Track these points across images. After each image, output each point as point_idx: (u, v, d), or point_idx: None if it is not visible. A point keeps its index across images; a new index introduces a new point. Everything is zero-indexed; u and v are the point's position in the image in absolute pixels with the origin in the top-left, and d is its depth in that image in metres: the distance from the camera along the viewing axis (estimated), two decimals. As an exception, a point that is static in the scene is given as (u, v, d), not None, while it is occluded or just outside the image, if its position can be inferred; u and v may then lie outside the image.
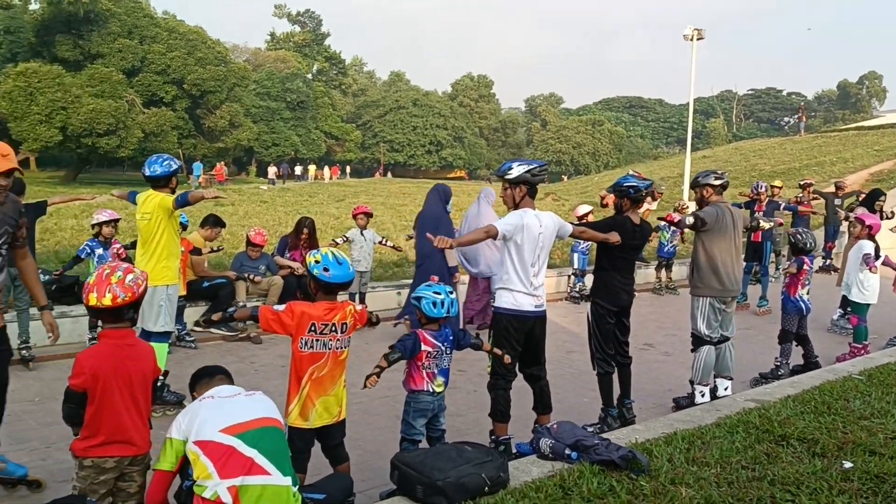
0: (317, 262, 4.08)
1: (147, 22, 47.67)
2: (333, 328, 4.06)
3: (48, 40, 44.88)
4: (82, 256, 7.83)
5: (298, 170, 59.56)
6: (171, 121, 44.18)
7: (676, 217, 6.33)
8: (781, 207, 12.20)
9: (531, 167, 5.12)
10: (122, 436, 3.44)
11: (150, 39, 46.36)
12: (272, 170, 52.89)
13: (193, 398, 3.70)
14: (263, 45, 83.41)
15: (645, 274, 13.98)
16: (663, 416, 5.62)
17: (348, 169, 70.29)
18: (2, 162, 4.11)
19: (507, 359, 4.92)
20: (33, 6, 47.25)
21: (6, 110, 39.03)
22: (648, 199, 11.02)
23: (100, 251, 7.82)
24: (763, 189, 11.91)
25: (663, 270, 13.44)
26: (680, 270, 13.67)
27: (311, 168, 60.94)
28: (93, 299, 3.40)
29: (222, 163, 49.90)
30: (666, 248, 13.21)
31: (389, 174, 75.32)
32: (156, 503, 3.35)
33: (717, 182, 6.38)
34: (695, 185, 6.49)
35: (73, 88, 39.00)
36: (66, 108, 38.29)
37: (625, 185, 5.93)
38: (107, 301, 3.40)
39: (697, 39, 25.83)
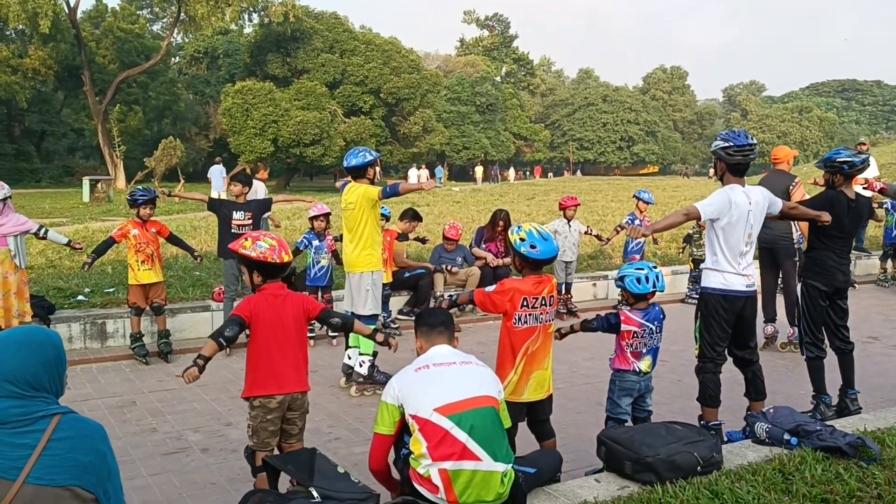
0: (522, 239, 4.08)
1: (346, 36, 50.50)
2: (543, 301, 4.08)
3: (260, 59, 48.96)
4: (301, 248, 8.32)
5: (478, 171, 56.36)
6: (369, 129, 46.46)
7: (878, 185, 5.68)
8: None
9: (728, 146, 4.79)
10: (278, 375, 3.86)
11: (349, 53, 49.06)
12: (413, 172, 44.73)
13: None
14: (453, 52, 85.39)
15: (866, 265, 12.82)
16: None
17: (526, 170, 67.68)
18: None
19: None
20: (247, 30, 51.70)
21: (227, 126, 43.15)
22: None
23: (316, 242, 8.33)
24: None
25: (889, 261, 12.17)
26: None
27: (479, 170, 56.54)
28: (285, 257, 3.94)
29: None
30: (894, 234, 11.87)
31: (579, 172, 74.48)
32: (377, 465, 3.48)
33: None
34: None
35: (283, 103, 42.23)
36: (276, 121, 41.53)
37: (838, 160, 5.44)
38: (286, 258, 3.95)
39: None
